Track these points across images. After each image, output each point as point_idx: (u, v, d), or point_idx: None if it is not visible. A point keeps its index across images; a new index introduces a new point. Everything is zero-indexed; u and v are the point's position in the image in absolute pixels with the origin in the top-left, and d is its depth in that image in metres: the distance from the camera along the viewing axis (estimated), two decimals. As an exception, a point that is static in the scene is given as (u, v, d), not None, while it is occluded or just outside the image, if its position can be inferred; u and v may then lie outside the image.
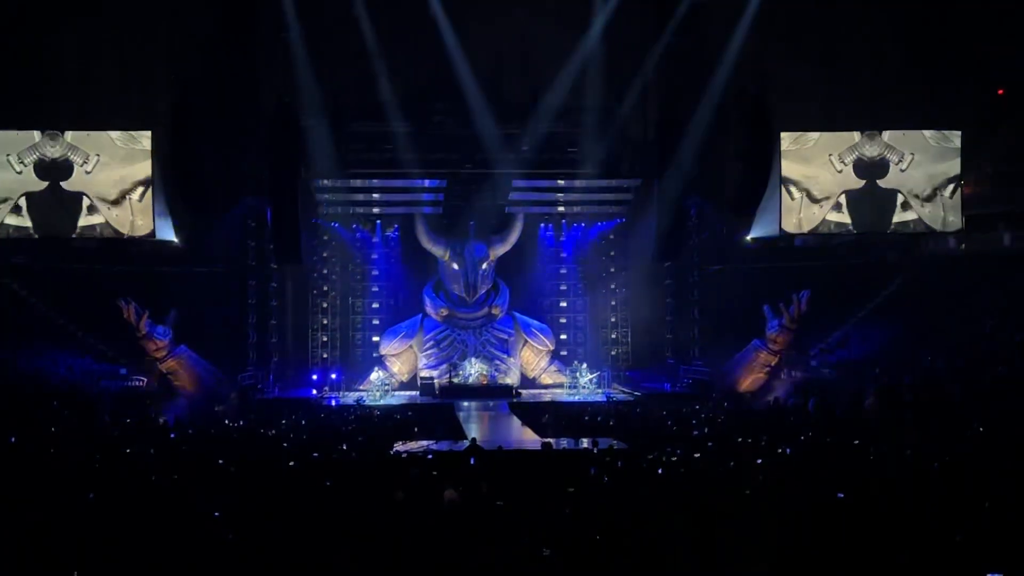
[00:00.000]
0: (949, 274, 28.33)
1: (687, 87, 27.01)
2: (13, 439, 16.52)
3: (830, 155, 28.02)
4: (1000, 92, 28.33)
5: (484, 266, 30.21)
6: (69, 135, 26.21)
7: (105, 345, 26.58)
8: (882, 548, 10.03)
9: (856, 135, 27.74)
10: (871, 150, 27.80)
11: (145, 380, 25.40)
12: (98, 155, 26.38)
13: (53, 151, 26.23)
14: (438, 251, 30.47)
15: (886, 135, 27.80)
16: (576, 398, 27.93)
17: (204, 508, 11.97)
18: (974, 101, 28.06)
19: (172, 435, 19.47)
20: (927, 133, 27.89)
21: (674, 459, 16.12)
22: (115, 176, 26.48)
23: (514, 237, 30.68)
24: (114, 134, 26.32)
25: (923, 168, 28.00)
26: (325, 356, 31.22)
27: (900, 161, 27.92)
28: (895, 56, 27.57)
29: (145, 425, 20.40)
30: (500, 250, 30.61)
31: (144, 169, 26.32)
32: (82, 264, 27.70)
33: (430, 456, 16.51)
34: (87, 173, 26.36)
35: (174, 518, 11.37)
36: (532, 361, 31.17)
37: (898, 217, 28.17)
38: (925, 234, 28.75)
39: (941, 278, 28.20)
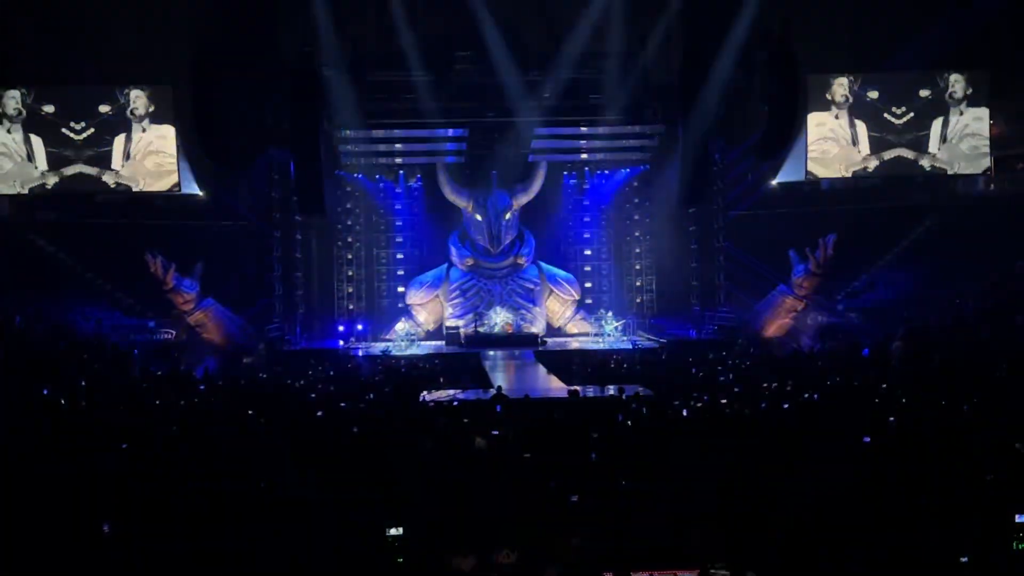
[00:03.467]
0: (978, 215, 27.99)
1: (711, 30, 26.54)
2: (46, 391, 16.77)
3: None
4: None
5: (508, 216, 30.10)
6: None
7: (133, 299, 26.86)
8: (910, 492, 10.03)
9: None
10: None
11: (173, 333, 25.69)
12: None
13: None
14: (461, 202, 30.39)
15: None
16: (602, 346, 27.94)
17: (234, 458, 12.14)
18: (1002, 40, 27.47)
19: (201, 387, 19.70)
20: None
21: (699, 405, 16.16)
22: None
23: (537, 186, 30.50)
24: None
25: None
26: (351, 307, 31.33)
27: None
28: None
29: (175, 377, 20.64)
30: (523, 199, 30.47)
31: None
32: (109, 219, 27.90)
33: (456, 403, 16.65)
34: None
35: (204, 468, 11.53)
36: (557, 310, 31.17)
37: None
38: (953, 175, 28.46)
39: (970, 219, 27.88)
